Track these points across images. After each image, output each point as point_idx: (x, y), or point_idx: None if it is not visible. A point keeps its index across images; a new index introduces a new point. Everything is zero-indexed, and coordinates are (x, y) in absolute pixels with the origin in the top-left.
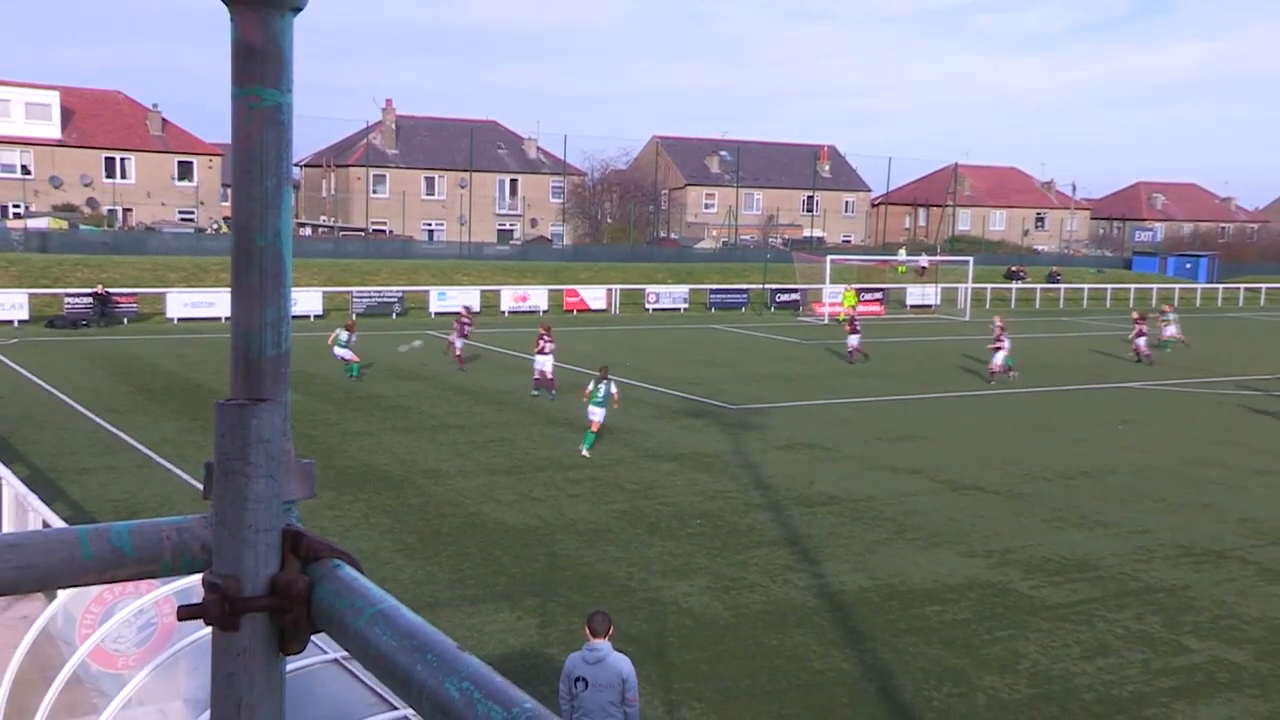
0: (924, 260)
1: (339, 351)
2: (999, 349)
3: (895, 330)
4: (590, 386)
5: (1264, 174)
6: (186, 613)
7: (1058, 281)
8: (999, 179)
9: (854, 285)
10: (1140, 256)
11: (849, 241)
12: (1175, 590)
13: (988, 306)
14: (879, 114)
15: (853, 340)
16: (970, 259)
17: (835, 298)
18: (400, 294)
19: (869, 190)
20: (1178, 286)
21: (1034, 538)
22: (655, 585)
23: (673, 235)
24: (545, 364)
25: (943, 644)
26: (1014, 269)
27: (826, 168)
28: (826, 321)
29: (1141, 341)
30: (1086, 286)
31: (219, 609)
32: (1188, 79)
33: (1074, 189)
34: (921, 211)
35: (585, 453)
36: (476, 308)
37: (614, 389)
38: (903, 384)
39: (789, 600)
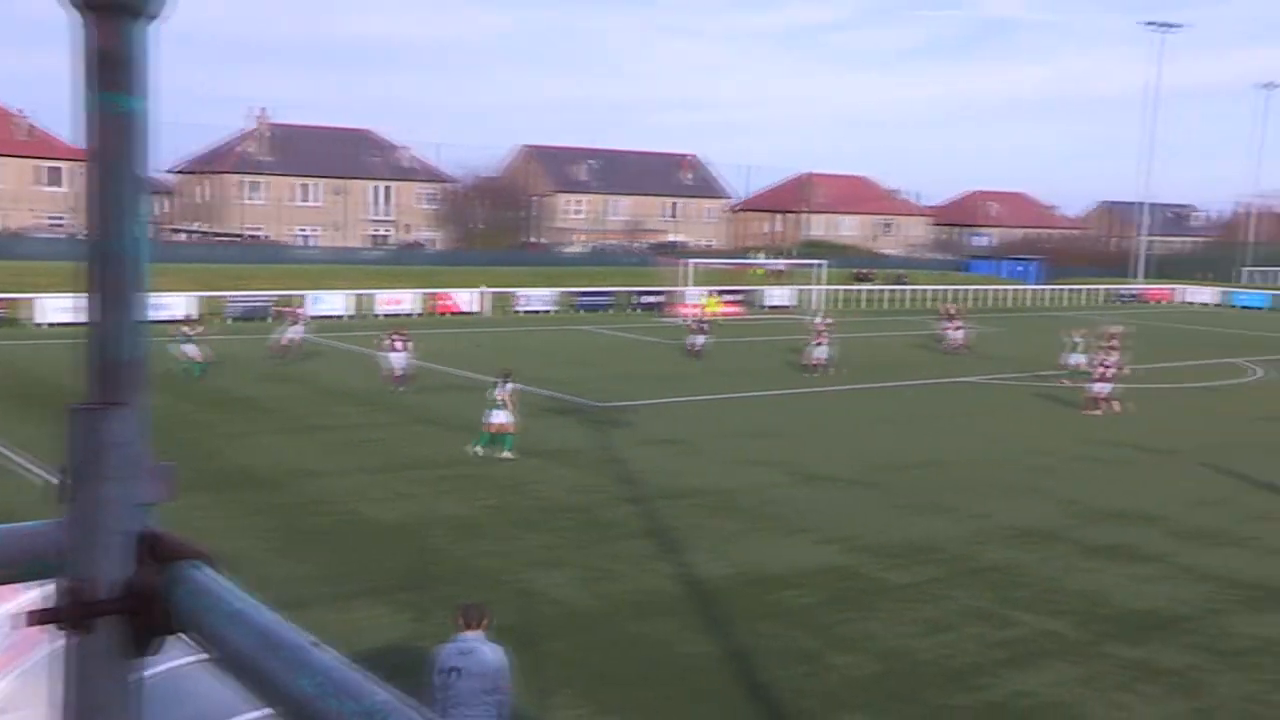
0: (780, 263)
1: (184, 349)
2: (820, 344)
3: (754, 330)
4: (504, 388)
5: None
6: (38, 617)
7: (903, 284)
8: (849, 187)
9: (717, 288)
10: (977, 260)
11: (710, 246)
12: (1008, 568)
13: (840, 307)
14: (740, 125)
15: (699, 340)
16: (823, 262)
17: (697, 299)
18: (273, 298)
19: (729, 197)
20: (1011, 288)
21: (882, 524)
22: (526, 577)
23: (541, 240)
24: (398, 361)
25: (798, 626)
26: (862, 271)
27: (689, 176)
28: (688, 322)
29: (958, 335)
30: (929, 288)
31: (72, 612)
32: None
33: (917, 197)
34: (778, 217)
35: (476, 450)
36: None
37: (509, 389)
38: (761, 381)
39: (654, 589)
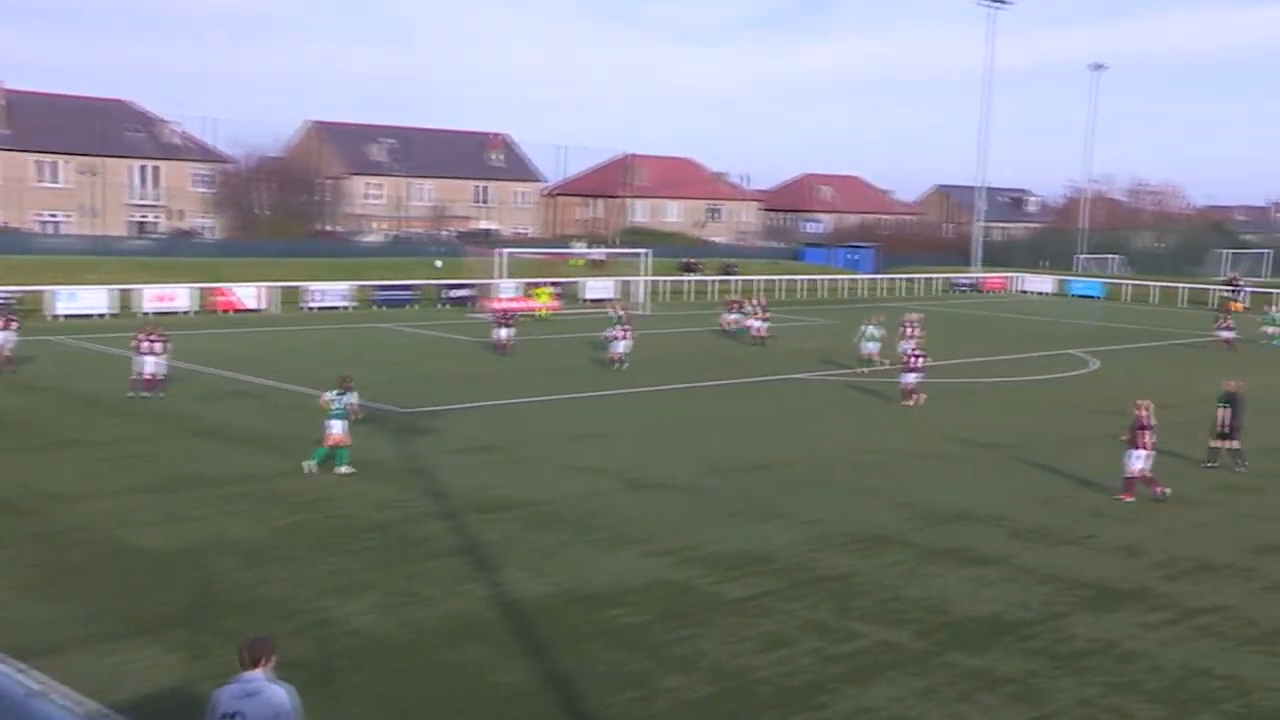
0: (600, 252)
1: None
2: (619, 339)
3: (573, 325)
4: (328, 396)
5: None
6: None
7: (732, 273)
8: (673, 170)
9: (532, 281)
10: (810, 248)
11: (524, 233)
12: (845, 577)
13: (665, 299)
14: (552, 102)
15: (504, 333)
16: (646, 251)
17: (511, 292)
18: (17, 295)
19: (543, 180)
20: (845, 277)
21: (715, 533)
22: (322, 606)
23: (335, 228)
24: (149, 364)
25: (626, 647)
26: (689, 261)
27: (499, 157)
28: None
29: (755, 325)
30: (760, 278)
31: None
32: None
33: (746, 180)
34: (597, 202)
35: (313, 467)
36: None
37: (354, 399)
38: (582, 381)
39: (467, 613)
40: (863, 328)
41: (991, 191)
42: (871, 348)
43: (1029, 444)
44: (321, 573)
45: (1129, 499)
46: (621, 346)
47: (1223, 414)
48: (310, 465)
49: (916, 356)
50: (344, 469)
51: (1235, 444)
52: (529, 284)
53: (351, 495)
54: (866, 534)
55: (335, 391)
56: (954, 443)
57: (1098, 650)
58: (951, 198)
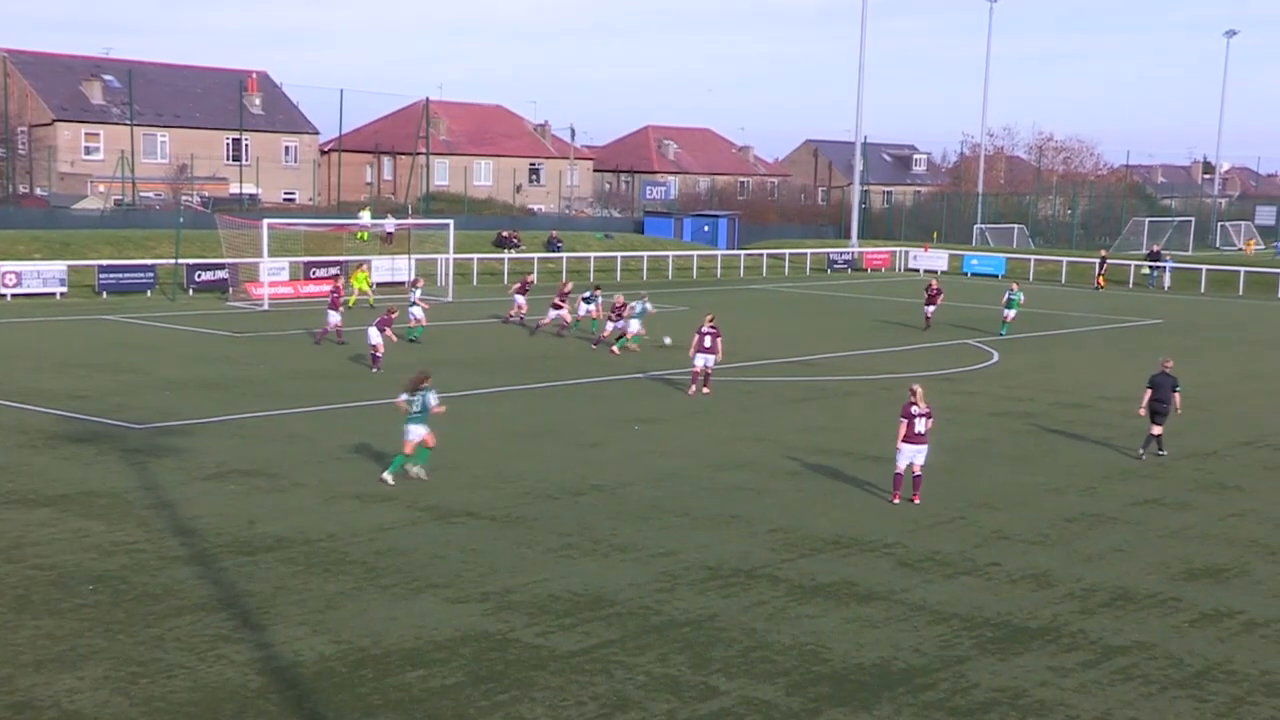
0: (390, 224)
1: None
2: (384, 325)
3: (357, 315)
4: (403, 398)
5: (782, 120)
6: None
7: (558, 249)
8: (482, 120)
9: (306, 259)
10: (653, 217)
11: (293, 200)
12: (702, 622)
13: (475, 283)
14: (323, 33)
15: (334, 317)
16: (450, 222)
17: (279, 275)
18: None
19: (317, 133)
20: (696, 253)
21: (539, 572)
22: (25, 684)
23: (39, 191)
24: None
25: (429, 718)
26: (506, 234)
27: (257, 101)
28: (266, 306)
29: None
30: (593, 255)
31: None
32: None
33: (573, 134)
34: (386, 161)
35: (389, 478)
36: None
37: (434, 399)
38: (370, 386)
39: (224, 683)
40: (637, 302)
41: (873, 148)
42: (635, 326)
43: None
44: (24, 640)
45: (896, 500)
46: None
47: (1147, 395)
48: (389, 476)
49: (706, 334)
50: (417, 469)
51: (1157, 430)
52: (360, 269)
53: (67, 538)
54: (727, 568)
55: (408, 393)
56: (833, 455)
57: (1003, 701)
58: (824, 156)
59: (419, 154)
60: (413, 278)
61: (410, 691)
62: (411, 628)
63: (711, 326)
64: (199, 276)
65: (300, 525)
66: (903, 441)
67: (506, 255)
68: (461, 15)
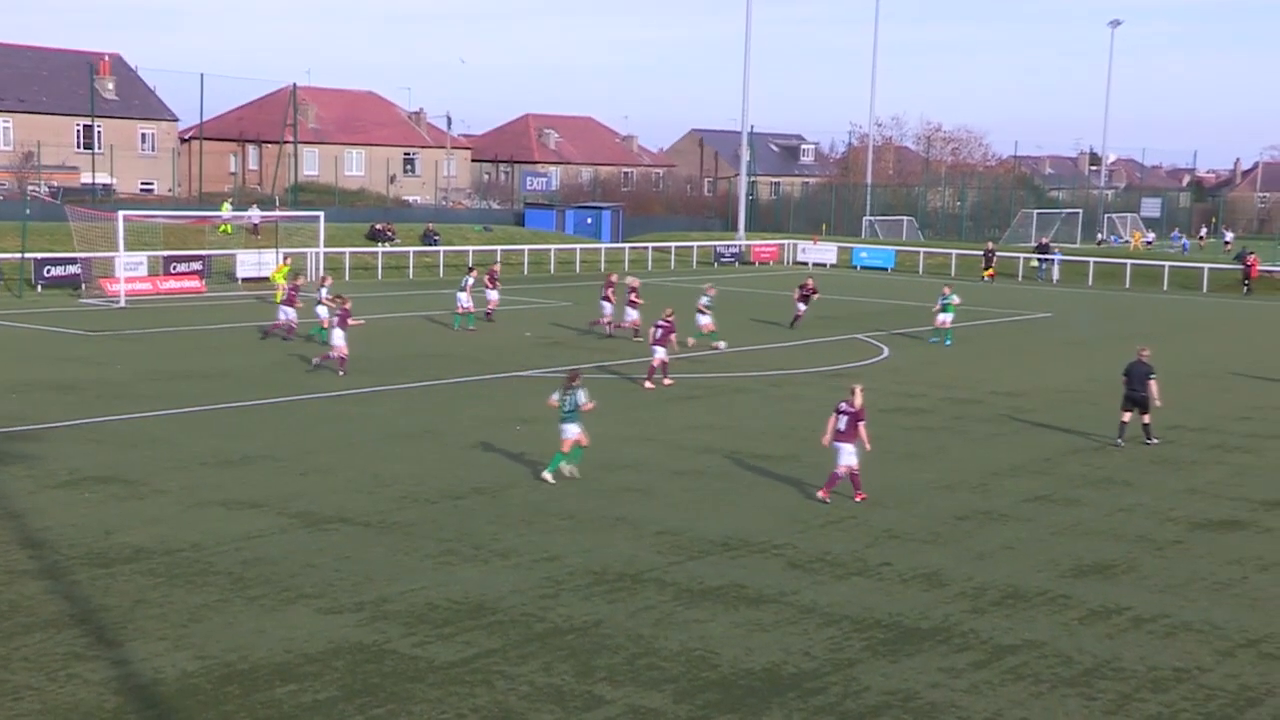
0: (255, 215)
1: None
2: (293, 304)
3: (222, 313)
4: (554, 397)
5: (665, 109)
6: None
7: (435, 242)
8: (353, 107)
9: (168, 253)
10: (534, 209)
11: (151, 191)
12: (587, 628)
13: (347, 278)
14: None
15: (288, 313)
16: (320, 214)
17: (136, 270)
18: None
19: (176, 120)
20: (579, 246)
21: (417, 579)
22: None
23: None
24: None
25: None
26: (379, 227)
27: (110, 85)
28: (123, 303)
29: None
30: (471, 249)
31: None
32: None
33: (449, 123)
34: (252, 150)
35: (549, 477)
36: None
37: (583, 396)
38: (236, 386)
39: (77, 704)
40: (471, 279)
41: (760, 138)
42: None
43: (811, 453)
44: None
45: (822, 495)
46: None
47: (1125, 384)
48: (550, 474)
49: (659, 327)
50: (570, 467)
51: (1144, 417)
52: (282, 263)
53: None
54: (613, 572)
55: (560, 392)
56: (721, 454)
57: (895, 704)
58: (710, 146)
59: (286, 142)
60: (321, 275)
61: (280, 708)
62: (281, 640)
63: (668, 320)
64: (48, 272)
65: (161, 535)
66: (830, 440)
67: (380, 249)
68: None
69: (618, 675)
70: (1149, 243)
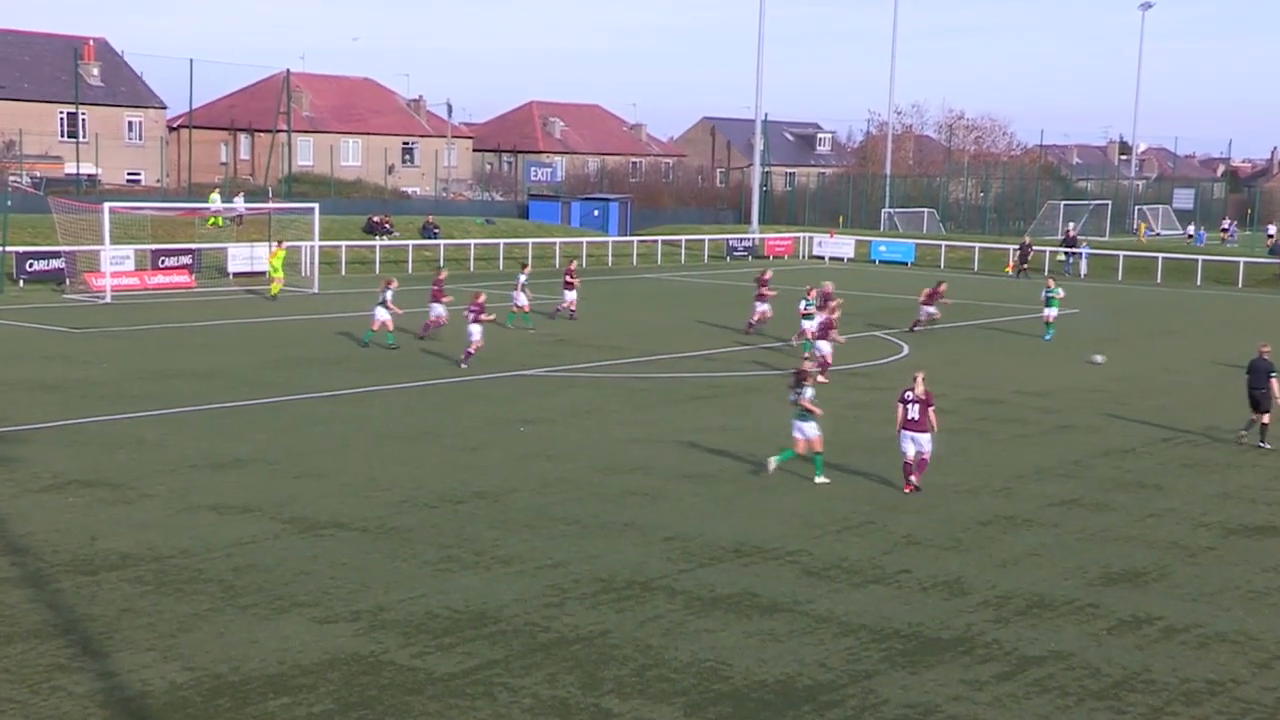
0: (240, 207)
1: None
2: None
3: (213, 309)
4: (791, 397)
5: (677, 96)
6: None
7: (435, 236)
8: (349, 94)
9: (153, 247)
10: (538, 201)
11: (138, 182)
12: (593, 638)
13: (344, 273)
14: None
15: (438, 309)
16: (315, 206)
17: (123, 264)
18: None
19: (164, 107)
20: (586, 240)
21: (416, 587)
22: None
23: None
24: None
25: None
26: (377, 219)
27: (95, 71)
28: (108, 299)
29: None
30: (473, 243)
31: None
32: None
33: (450, 111)
34: (244, 139)
35: (820, 479)
36: None
37: (809, 394)
38: (228, 386)
39: (61, 717)
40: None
41: (775, 126)
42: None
43: (828, 454)
44: None
45: (908, 490)
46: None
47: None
48: (773, 462)
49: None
50: (820, 479)
51: (1262, 418)
52: (278, 247)
53: None
54: (621, 580)
55: (793, 390)
56: (733, 456)
57: (915, 717)
58: (723, 135)
59: (279, 131)
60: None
61: None
62: (274, 651)
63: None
64: (31, 266)
65: (149, 540)
66: (900, 429)
67: (378, 242)
68: None
69: (626, 687)
70: (1152, 235)
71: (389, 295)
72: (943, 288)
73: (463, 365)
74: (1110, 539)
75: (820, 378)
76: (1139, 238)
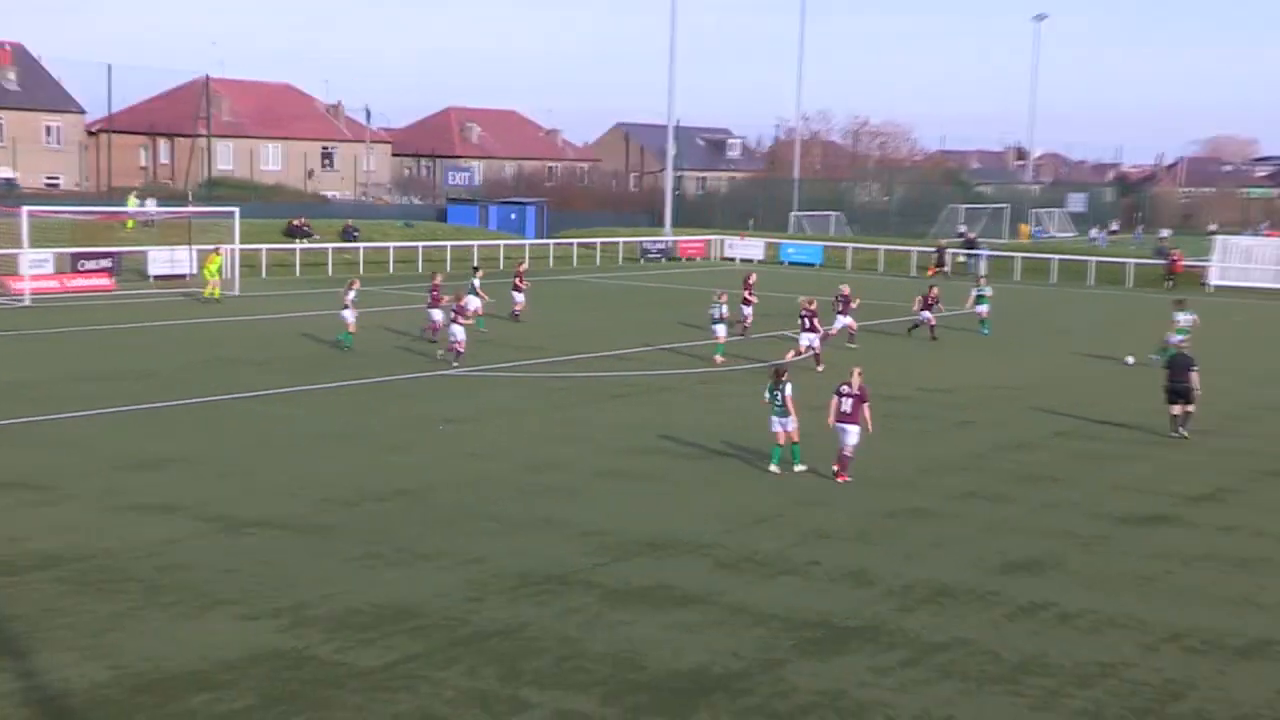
0: (152, 209)
1: None
2: None
3: (132, 312)
4: (766, 393)
5: (590, 101)
6: None
7: (355, 238)
8: (268, 99)
9: (73, 249)
10: (456, 205)
11: (57, 185)
12: (512, 632)
13: (264, 275)
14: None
15: (436, 315)
16: (235, 210)
17: (42, 267)
18: None
19: (83, 112)
20: (503, 243)
21: (339, 584)
22: None
23: None
24: None
25: None
26: (297, 223)
27: (12, 75)
28: (28, 301)
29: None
30: (392, 245)
31: None
32: None
33: (369, 116)
34: (163, 143)
35: (799, 467)
36: None
37: (789, 390)
38: (151, 388)
39: None
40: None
41: (686, 132)
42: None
43: (738, 451)
44: None
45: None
46: None
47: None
48: (773, 467)
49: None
50: (799, 467)
51: (1187, 408)
52: (214, 252)
53: None
54: (540, 574)
55: (769, 389)
56: (648, 453)
57: (824, 704)
58: (636, 140)
59: (199, 136)
60: (349, 280)
61: (195, 717)
62: (197, 649)
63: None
64: None
65: (72, 541)
66: (834, 421)
67: (298, 245)
68: None
69: (544, 678)
70: (1044, 235)
71: (352, 296)
72: (935, 292)
73: (454, 365)
74: (1009, 529)
75: (818, 367)
76: (1022, 238)
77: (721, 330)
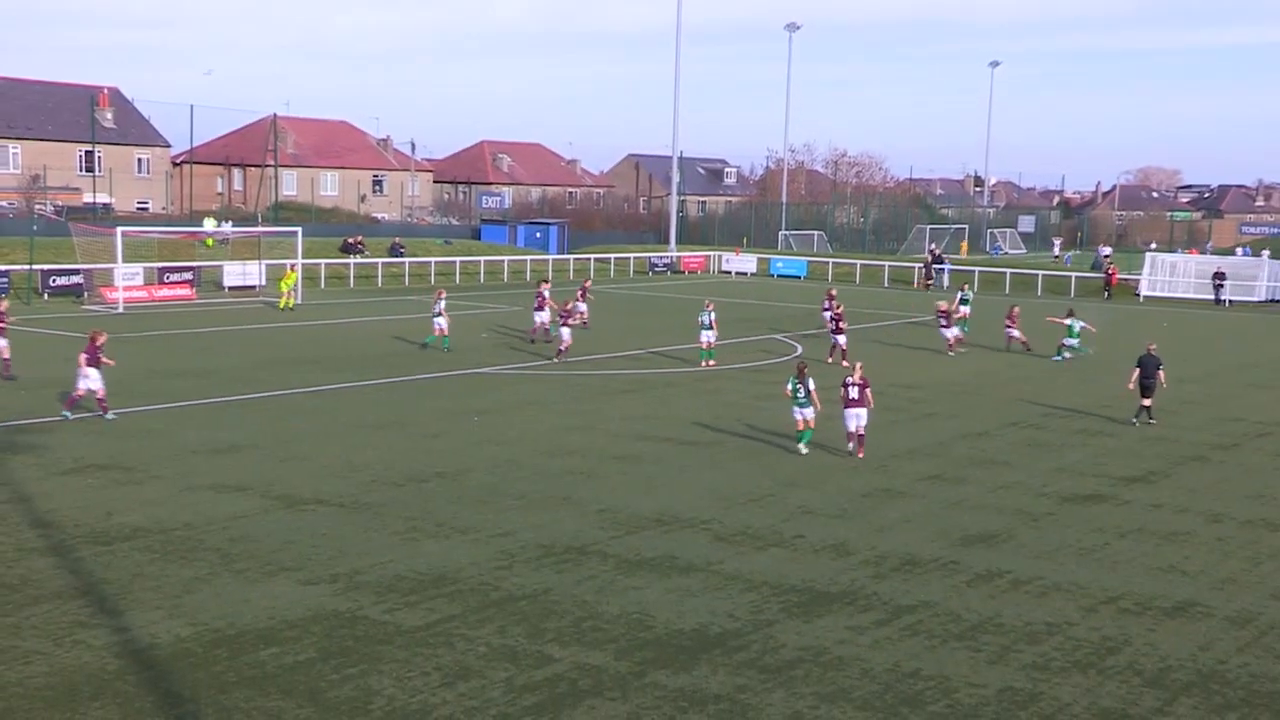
0: (227, 229)
1: None
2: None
3: (210, 318)
4: (789, 386)
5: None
6: None
7: (401, 254)
8: (328, 134)
9: (160, 265)
10: (489, 225)
11: (146, 209)
12: (537, 595)
13: (323, 286)
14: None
15: (541, 317)
16: (298, 229)
17: (133, 280)
18: None
19: (168, 145)
20: (529, 258)
21: (385, 554)
22: None
23: None
24: None
25: (282, 693)
26: (351, 240)
27: (109, 115)
28: (121, 309)
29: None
30: (434, 260)
31: None
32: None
33: (414, 148)
34: (237, 173)
35: (803, 448)
36: None
37: (812, 385)
38: (224, 383)
39: (81, 666)
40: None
41: (689, 162)
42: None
43: (734, 439)
44: None
45: (859, 454)
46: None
47: (1135, 373)
48: (803, 446)
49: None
50: (802, 446)
51: (1146, 401)
52: (291, 269)
53: None
54: (560, 546)
55: (792, 382)
56: (654, 441)
57: (807, 659)
58: (644, 168)
59: (268, 166)
60: (437, 289)
61: (264, 668)
62: (264, 609)
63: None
64: (54, 281)
65: (156, 515)
66: (844, 407)
67: (352, 260)
68: (305, 36)
69: (565, 636)
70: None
71: (442, 305)
72: (944, 305)
73: (555, 361)
74: (968, 507)
75: (844, 363)
76: (962, 254)
77: (707, 336)
